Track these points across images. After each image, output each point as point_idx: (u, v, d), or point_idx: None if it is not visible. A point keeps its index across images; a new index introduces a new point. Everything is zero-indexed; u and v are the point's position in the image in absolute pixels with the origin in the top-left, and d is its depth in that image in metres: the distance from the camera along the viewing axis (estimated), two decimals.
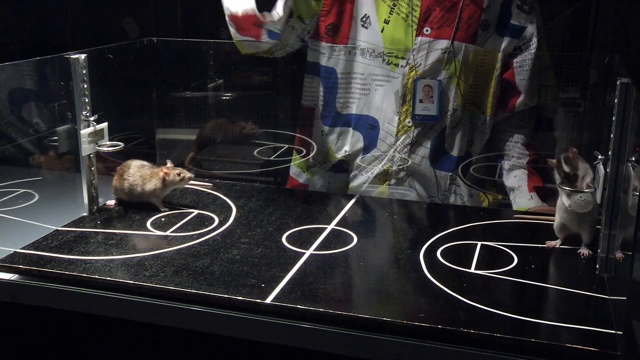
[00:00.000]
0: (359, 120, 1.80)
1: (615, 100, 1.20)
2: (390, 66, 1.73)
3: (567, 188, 1.35)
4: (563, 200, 1.37)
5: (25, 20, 4.35)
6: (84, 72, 1.53)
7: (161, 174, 1.59)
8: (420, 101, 1.73)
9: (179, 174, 1.60)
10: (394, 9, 1.70)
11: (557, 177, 1.37)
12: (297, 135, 1.94)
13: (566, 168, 1.33)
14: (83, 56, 1.53)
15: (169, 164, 1.62)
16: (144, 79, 1.97)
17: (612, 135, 1.21)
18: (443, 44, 1.70)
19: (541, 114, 1.82)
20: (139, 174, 1.61)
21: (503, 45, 1.73)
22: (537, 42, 1.73)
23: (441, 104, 1.74)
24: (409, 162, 1.79)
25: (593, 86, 1.85)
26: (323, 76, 1.81)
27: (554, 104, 1.82)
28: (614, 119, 1.20)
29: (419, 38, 1.70)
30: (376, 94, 1.76)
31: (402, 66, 1.73)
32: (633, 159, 1.16)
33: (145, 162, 1.64)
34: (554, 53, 1.97)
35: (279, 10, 1.67)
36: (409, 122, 1.76)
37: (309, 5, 1.74)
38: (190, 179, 1.62)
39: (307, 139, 1.91)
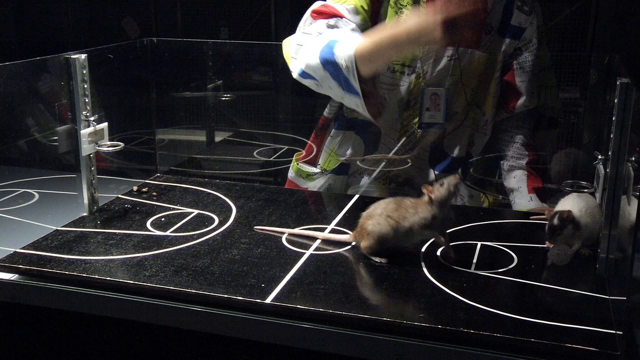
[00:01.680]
0: (362, 125, 1.80)
1: (615, 100, 1.20)
2: (395, 74, 1.72)
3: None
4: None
5: (26, 20, 4.35)
6: (84, 72, 1.53)
7: (425, 197, 1.33)
8: (427, 109, 1.73)
9: (441, 185, 1.32)
10: (401, 16, 1.69)
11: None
12: (308, 140, 1.92)
13: (556, 222, 1.33)
14: (83, 56, 1.53)
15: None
16: (144, 79, 1.97)
17: (612, 135, 1.21)
18: (449, 50, 1.69)
19: (541, 114, 1.82)
20: (400, 207, 1.34)
21: (503, 47, 1.73)
22: (537, 43, 1.73)
23: (447, 111, 1.73)
24: (409, 164, 1.79)
25: (593, 86, 1.86)
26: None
27: (554, 104, 1.82)
28: (613, 119, 1.20)
29: (427, 46, 1.69)
30: None
31: (408, 74, 1.72)
32: (633, 158, 1.16)
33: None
34: (554, 53, 1.97)
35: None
36: (411, 127, 1.76)
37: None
38: (457, 181, 1.32)
39: (313, 145, 1.90)
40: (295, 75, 1.61)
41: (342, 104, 1.80)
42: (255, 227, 1.50)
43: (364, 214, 1.37)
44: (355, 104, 1.50)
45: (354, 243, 1.40)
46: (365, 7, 1.64)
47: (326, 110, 1.85)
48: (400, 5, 1.68)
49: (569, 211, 1.33)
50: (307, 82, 1.59)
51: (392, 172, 1.81)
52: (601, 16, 3.28)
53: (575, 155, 1.86)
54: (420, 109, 1.73)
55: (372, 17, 1.67)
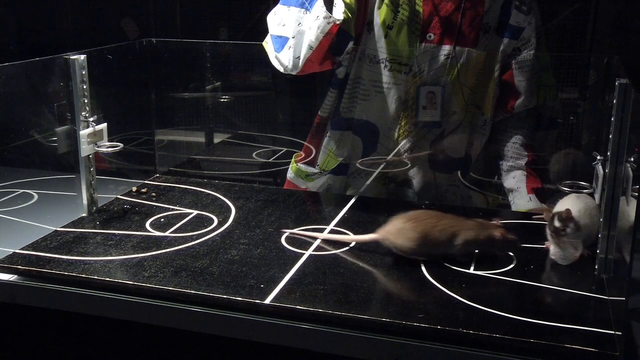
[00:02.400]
0: (359, 124, 1.80)
1: (614, 101, 1.20)
2: (392, 73, 1.72)
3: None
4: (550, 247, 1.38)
5: (25, 21, 4.35)
6: (83, 72, 1.53)
7: (497, 233, 1.33)
8: (424, 108, 1.73)
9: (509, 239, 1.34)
10: (397, 14, 1.69)
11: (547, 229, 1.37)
12: (305, 142, 1.93)
13: (557, 224, 1.33)
14: (82, 57, 1.53)
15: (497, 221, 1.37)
16: (143, 80, 1.97)
17: (610, 136, 1.21)
18: (446, 49, 1.69)
19: (540, 115, 1.82)
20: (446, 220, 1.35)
21: (502, 46, 1.73)
22: (536, 43, 1.73)
23: (444, 110, 1.73)
24: (409, 165, 1.79)
25: (592, 87, 1.86)
26: (342, 83, 1.80)
27: (553, 104, 1.82)
28: (612, 119, 1.20)
29: (423, 44, 1.69)
30: (376, 100, 1.76)
31: (404, 72, 1.72)
32: (632, 159, 1.16)
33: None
34: (553, 54, 1.97)
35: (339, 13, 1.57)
36: (409, 127, 1.76)
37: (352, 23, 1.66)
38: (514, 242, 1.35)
39: (310, 146, 1.90)
40: (273, 58, 1.61)
41: (338, 103, 1.80)
42: (286, 231, 1.47)
43: (408, 215, 1.35)
44: (317, 14, 1.52)
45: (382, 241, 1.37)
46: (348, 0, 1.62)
47: (320, 110, 1.86)
48: (397, 3, 1.68)
49: (568, 210, 1.33)
50: (285, 57, 1.58)
51: (390, 172, 1.81)
52: (600, 17, 3.28)
53: (573, 155, 1.86)
54: (417, 107, 1.73)
55: (359, 8, 1.67)
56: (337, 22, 1.52)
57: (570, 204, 1.36)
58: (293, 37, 1.55)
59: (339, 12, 1.55)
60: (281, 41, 1.58)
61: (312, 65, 1.58)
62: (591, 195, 1.41)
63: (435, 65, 1.70)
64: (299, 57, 1.56)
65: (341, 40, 1.59)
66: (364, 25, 1.73)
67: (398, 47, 1.70)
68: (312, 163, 1.90)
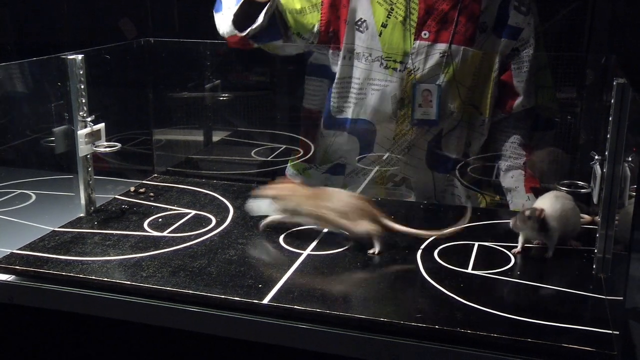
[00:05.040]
0: (355, 124, 1.80)
1: (612, 101, 1.20)
2: (388, 70, 1.73)
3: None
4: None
5: (23, 21, 4.34)
6: (81, 72, 1.53)
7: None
8: (420, 106, 1.73)
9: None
10: (391, 12, 1.69)
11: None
12: (300, 137, 1.93)
13: (527, 213, 1.35)
14: (80, 57, 1.53)
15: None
16: (141, 80, 1.97)
17: (608, 136, 1.21)
18: (441, 47, 1.70)
19: (538, 115, 1.82)
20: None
21: (500, 47, 1.73)
22: (535, 43, 1.73)
23: (440, 108, 1.73)
24: (407, 164, 1.79)
25: (590, 86, 1.86)
26: (329, 79, 1.81)
27: (551, 104, 1.82)
28: (610, 119, 1.20)
29: (418, 42, 1.70)
30: (373, 98, 1.76)
31: (400, 70, 1.72)
32: (629, 159, 1.16)
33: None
34: (550, 53, 1.97)
35: (259, 19, 1.66)
36: (406, 125, 1.76)
37: (303, 23, 1.73)
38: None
39: (306, 140, 1.90)
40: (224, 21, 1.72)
41: (327, 101, 1.81)
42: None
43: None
44: (228, 21, 1.66)
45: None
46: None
47: (304, 101, 1.87)
48: (391, 1, 1.68)
49: (542, 210, 1.34)
50: (218, 22, 1.73)
51: (388, 171, 1.82)
52: (598, 16, 3.28)
53: (557, 154, 1.87)
54: (413, 105, 1.73)
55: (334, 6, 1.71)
56: (240, 35, 1.63)
57: (548, 203, 1.38)
58: (222, 14, 1.68)
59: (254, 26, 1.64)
60: (219, 5, 1.72)
61: (234, 45, 1.73)
62: (589, 195, 1.41)
63: (431, 63, 1.71)
64: (223, 33, 1.72)
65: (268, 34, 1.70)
66: (345, 24, 1.73)
67: (393, 45, 1.71)
68: (309, 161, 1.90)
